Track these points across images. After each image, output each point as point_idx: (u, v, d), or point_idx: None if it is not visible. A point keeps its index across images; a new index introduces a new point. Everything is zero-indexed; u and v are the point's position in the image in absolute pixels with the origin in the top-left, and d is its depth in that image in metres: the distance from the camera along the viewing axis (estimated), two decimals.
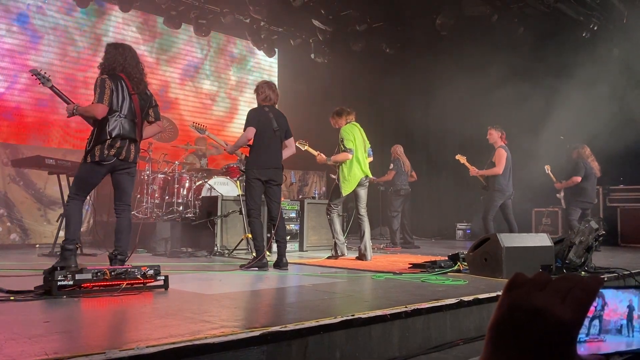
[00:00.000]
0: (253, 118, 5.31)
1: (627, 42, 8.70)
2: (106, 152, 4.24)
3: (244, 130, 5.33)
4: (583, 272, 4.70)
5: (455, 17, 10.12)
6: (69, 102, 4.47)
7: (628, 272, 4.86)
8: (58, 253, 6.33)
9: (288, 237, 7.40)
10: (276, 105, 5.55)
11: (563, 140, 8.97)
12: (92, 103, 4.28)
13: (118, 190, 4.46)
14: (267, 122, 5.32)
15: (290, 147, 5.58)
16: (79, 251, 4.76)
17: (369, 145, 6.55)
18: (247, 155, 5.43)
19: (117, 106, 4.28)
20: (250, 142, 5.33)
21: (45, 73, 4.62)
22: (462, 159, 7.84)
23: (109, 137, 4.23)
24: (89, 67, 9.54)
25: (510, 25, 9.96)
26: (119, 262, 4.30)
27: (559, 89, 9.09)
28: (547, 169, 8.34)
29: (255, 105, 5.56)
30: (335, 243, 6.41)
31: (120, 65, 4.40)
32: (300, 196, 10.78)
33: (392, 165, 9.02)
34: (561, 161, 8.92)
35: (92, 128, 4.36)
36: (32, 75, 4.63)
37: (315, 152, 6.74)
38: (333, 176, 6.76)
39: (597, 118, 8.28)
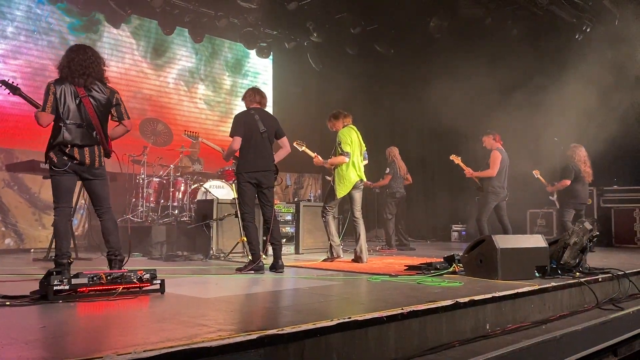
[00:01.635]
0: (238, 125, 5.30)
1: (619, 43, 8.76)
2: (56, 158, 4.21)
3: (230, 136, 5.35)
4: (577, 273, 4.72)
5: (449, 20, 10.17)
6: (38, 106, 4.39)
7: (622, 273, 4.89)
8: (52, 257, 6.36)
9: (284, 240, 7.43)
10: (265, 107, 5.55)
11: (557, 141, 9.02)
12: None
13: (92, 196, 4.44)
14: (253, 125, 5.31)
15: (284, 147, 5.56)
16: (73, 255, 4.74)
17: (365, 148, 6.56)
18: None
19: (62, 112, 4.18)
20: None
21: (13, 82, 4.60)
22: (456, 159, 7.87)
23: (54, 143, 4.21)
24: None
25: (504, 27, 10.02)
26: (118, 262, 4.31)
27: (553, 91, 9.14)
28: (536, 173, 8.32)
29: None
30: (330, 245, 6.42)
31: (66, 69, 4.26)
32: (295, 199, 10.79)
33: (388, 169, 9.01)
34: (556, 162, 8.96)
35: None
36: (1, 85, 4.60)
37: (312, 154, 6.74)
38: (328, 178, 6.78)
39: (590, 119, 8.33)
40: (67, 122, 4.18)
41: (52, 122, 4.21)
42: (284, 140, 5.54)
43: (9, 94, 4.61)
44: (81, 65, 4.26)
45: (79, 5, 9.30)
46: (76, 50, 4.36)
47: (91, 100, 4.27)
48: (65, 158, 4.21)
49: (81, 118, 4.23)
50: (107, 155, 4.45)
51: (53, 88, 4.20)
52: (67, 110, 4.19)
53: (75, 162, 4.23)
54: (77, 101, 4.22)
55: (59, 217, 4.30)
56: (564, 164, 8.00)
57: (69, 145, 4.20)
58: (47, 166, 6.15)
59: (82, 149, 4.25)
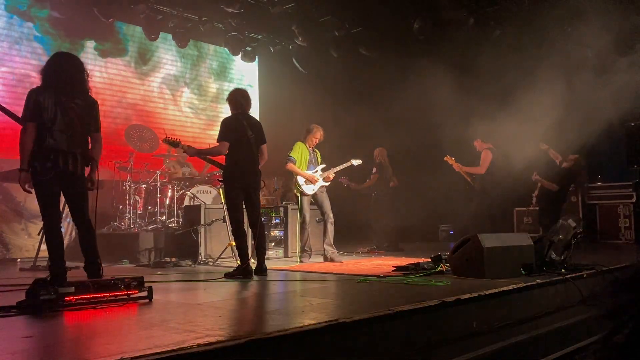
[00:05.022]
0: (227, 129, 5.30)
1: (597, 41, 8.87)
2: (39, 165, 4.11)
3: (217, 141, 5.34)
4: (563, 270, 4.78)
5: (432, 22, 10.23)
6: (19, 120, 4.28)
7: (606, 268, 4.96)
8: (43, 266, 6.30)
9: (273, 244, 7.51)
10: (249, 111, 5.56)
11: (541, 141, 9.08)
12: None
13: (70, 205, 4.37)
14: (241, 130, 5.31)
15: (261, 155, 5.55)
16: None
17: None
18: (223, 163, 5.42)
19: (47, 118, 4.12)
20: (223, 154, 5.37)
21: None
22: (450, 160, 7.91)
23: (37, 150, 4.12)
24: None
25: (487, 28, 10.11)
26: (94, 269, 4.24)
27: (537, 89, 9.21)
28: (535, 176, 8.36)
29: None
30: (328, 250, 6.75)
31: (52, 75, 4.23)
32: (283, 202, 10.77)
33: (375, 169, 9.05)
34: (540, 162, 9.02)
35: None
36: None
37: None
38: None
39: (574, 117, 8.41)
40: (52, 128, 4.13)
41: (36, 130, 4.13)
42: (264, 148, 5.54)
43: None
44: (67, 72, 4.25)
45: (60, 26, 9.25)
46: (61, 57, 4.36)
47: (75, 107, 4.24)
48: (50, 165, 4.13)
49: (65, 125, 4.18)
50: (87, 163, 4.38)
51: (34, 95, 4.14)
52: (51, 117, 4.13)
53: (57, 170, 4.15)
54: (61, 108, 4.17)
55: (50, 224, 4.22)
56: (567, 172, 7.96)
57: (54, 151, 4.15)
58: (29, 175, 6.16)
59: (67, 156, 4.19)
